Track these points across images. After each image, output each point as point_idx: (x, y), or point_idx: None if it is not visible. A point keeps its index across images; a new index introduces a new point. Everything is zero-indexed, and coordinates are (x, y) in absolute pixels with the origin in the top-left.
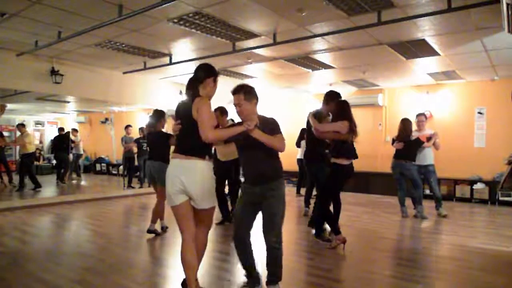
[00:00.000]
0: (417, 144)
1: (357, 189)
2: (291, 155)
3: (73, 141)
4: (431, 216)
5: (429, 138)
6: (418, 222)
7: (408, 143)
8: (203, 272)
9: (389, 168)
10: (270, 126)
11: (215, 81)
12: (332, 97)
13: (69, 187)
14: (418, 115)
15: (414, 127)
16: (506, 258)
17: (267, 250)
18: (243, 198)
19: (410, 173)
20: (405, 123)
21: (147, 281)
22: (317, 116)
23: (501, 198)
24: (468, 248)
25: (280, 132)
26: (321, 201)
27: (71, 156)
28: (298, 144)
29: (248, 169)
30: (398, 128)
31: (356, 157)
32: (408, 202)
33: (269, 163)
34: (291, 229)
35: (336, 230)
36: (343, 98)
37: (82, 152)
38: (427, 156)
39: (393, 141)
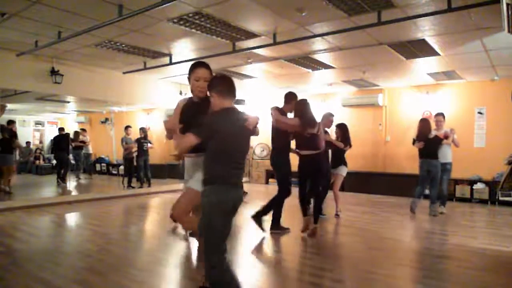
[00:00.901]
0: (437, 142)
1: (358, 189)
2: (292, 155)
3: (83, 141)
4: (430, 216)
5: (446, 137)
6: (418, 222)
7: (427, 141)
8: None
9: (389, 168)
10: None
11: (189, 78)
12: (291, 97)
13: (69, 187)
14: (437, 115)
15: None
16: (506, 258)
17: None
18: None
19: (436, 170)
20: (424, 123)
21: (147, 281)
22: (279, 109)
23: (501, 198)
24: (468, 248)
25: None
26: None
27: (71, 156)
28: None
29: None
30: (417, 128)
31: (316, 148)
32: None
33: (205, 164)
34: (291, 229)
35: (304, 211)
36: (342, 98)
37: (91, 151)
38: (446, 155)
39: (414, 141)
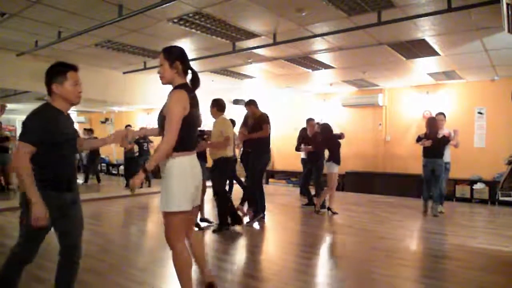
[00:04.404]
0: (444, 142)
1: (358, 189)
2: (292, 155)
3: None
4: (430, 216)
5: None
6: (418, 222)
7: (435, 141)
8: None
9: (389, 168)
10: None
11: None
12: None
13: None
14: (438, 115)
15: None
16: (506, 258)
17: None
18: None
19: (441, 169)
20: (433, 121)
21: (147, 281)
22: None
23: (501, 198)
24: (468, 248)
25: None
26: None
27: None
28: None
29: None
30: (426, 126)
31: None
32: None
33: None
34: (291, 229)
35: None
36: (342, 98)
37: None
38: (446, 154)
39: (420, 138)
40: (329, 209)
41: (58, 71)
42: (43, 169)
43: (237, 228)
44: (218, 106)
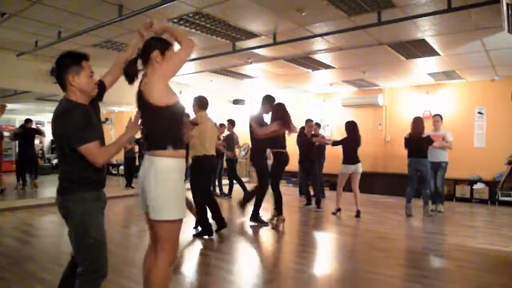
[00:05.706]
0: (427, 142)
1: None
2: (292, 155)
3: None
4: (426, 217)
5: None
6: (418, 222)
7: (419, 140)
8: (205, 272)
9: (389, 168)
10: None
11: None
12: (268, 100)
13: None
14: (434, 116)
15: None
16: (506, 258)
17: None
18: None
19: (425, 169)
20: (418, 121)
21: None
22: (256, 120)
23: (501, 198)
24: (468, 248)
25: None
26: (271, 187)
27: None
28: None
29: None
30: (410, 126)
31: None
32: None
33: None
34: (292, 229)
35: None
36: (342, 98)
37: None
38: (441, 154)
39: (406, 140)
40: (339, 210)
41: (72, 61)
42: (86, 169)
43: (237, 228)
44: (199, 103)
